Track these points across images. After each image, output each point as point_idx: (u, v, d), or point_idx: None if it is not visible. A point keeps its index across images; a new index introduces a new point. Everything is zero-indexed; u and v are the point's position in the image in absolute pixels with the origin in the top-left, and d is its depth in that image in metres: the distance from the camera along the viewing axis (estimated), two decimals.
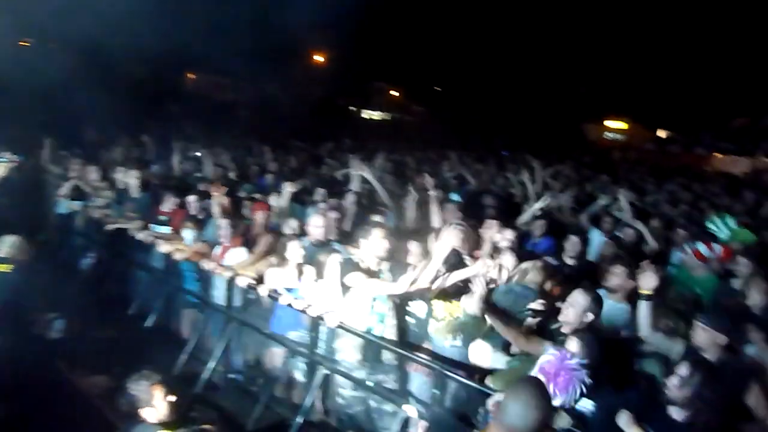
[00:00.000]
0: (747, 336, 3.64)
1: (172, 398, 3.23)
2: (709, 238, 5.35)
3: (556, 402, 2.84)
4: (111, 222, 6.62)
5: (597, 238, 6.05)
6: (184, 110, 19.09)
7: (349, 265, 4.08)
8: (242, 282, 4.85)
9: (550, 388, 2.85)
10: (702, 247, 5.07)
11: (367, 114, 34.85)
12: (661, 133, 30.57)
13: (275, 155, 11.11)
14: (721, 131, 24.95)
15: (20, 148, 8.51)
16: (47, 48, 16.23)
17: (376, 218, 5.47)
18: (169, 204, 6.46)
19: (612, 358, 3.31)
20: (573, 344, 3.08)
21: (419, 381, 3.95)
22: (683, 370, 2.80)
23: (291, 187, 6.27)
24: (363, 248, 4.16)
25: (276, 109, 23.40)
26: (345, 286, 4.10)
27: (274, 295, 4.65)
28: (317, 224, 5.03)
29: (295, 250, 4.69)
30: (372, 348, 4.07)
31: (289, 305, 4.51)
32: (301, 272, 4.70)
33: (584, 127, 32.32)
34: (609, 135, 33.30)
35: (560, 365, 2.95)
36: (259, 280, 4.85)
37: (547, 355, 3.02)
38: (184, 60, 22.56)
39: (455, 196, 7.47)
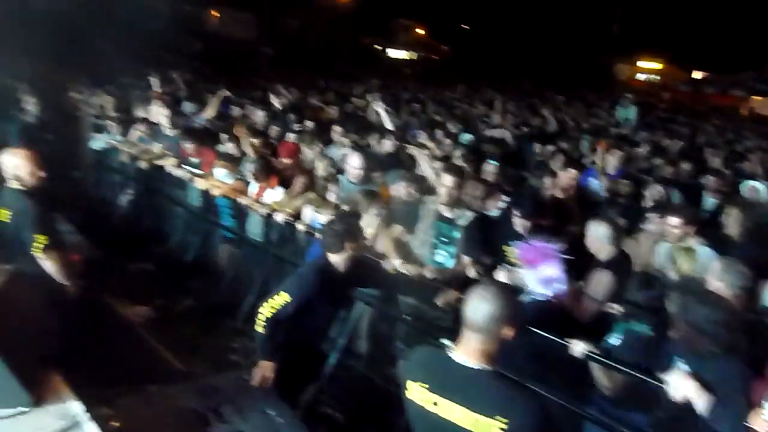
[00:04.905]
0: None
1: None
2: None
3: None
4: (146, 159, 6.71)
5: None
6: (207, 48, 18.90)
7: None
8: (279, 218, 4.92)
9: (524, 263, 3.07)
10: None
11: (392, 53, 34.04)
12: (697, 74, 29.50)
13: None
14: (761, 73, 23.99)
15: (53, 86, 8.62)
16: None
17: None
18: (198, 144, 6.48)
19: None
20: None
21: None
22: None
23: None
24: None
25: (299, 47, 23.03)
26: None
27: (311, 231, 4.72)
28: (354, 164, 5.03)
29: (333, 190, 4.73)
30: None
31: None
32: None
33: (615, 67, 31.28)
34: (642, 75, 32.23)
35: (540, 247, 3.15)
36: (297, 216, 4.92)
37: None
38: None
39: None
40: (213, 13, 25.97)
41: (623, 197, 5.53)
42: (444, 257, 4.45)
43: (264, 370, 3.29)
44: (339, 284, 3.50)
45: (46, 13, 12.15)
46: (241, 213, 5.57)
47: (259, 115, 7.76)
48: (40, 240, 3.84)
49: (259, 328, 3.28)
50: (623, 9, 28.62)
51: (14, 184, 3.98)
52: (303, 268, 3.46)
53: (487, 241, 4.39)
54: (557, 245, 3.21)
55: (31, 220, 3.86)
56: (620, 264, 3.84)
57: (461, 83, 17.28)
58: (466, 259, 4.32)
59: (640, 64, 32.34)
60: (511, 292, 2.09)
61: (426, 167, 5.56)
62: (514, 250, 3.30)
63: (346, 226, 3.43)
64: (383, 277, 4.29)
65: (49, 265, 3.89)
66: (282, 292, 3.25)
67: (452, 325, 4.14)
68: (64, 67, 9.84)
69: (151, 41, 12.98)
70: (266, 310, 3.24)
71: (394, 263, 4.22)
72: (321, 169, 5.59)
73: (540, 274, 3.12)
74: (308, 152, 6.14)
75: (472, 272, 4.25)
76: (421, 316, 4.33)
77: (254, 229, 5.41)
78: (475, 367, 1.95)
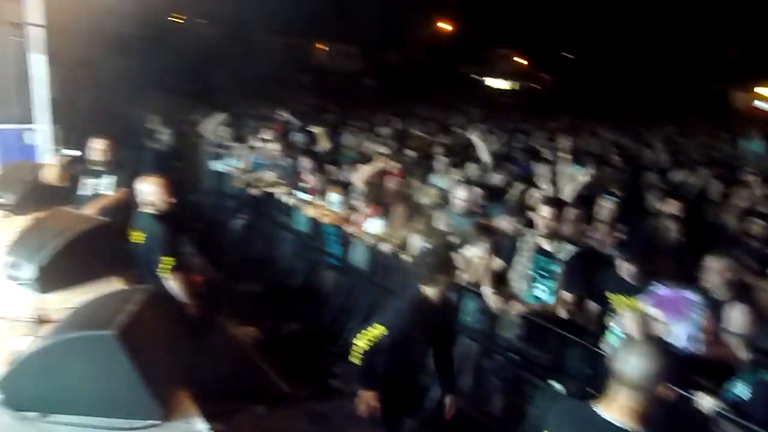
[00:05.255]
0: None
1: None
2: None
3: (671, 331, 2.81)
4: (258, 185, 7.10)
5: None
6: (315, 80, 19.79)
7: None
8: (385, 247, 5.00)
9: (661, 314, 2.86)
10: None
11: (492, 82, 33.95)
12: None
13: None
14: None
15: (174, 115, 9.36)
16: (196, 24, 17.49)
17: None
18: (309, 172, 6.75)
19: None
20: None
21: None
22: None
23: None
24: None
25: (401, 78, 23.56)
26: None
27: None
28: (461, 196, 5.03)
29: (442, 221, 4.75)
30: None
31: None
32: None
33: (734, 95, 29.25)
34: (764, 104, 29.89)
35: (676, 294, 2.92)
36: (402, 246, 4.98)
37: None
38: (314, 30, 23.30)
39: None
40: (320, 46, 27.26)
41: (754, 237, 5.10)
42: (543, 292, 4.34)
43: (367, 399, 3.31)
44: (435, 317, 3.47)
45: (172, 50, 13.28)
46: (347, 241, 5.72)
47: (365, 145, 7.97)
48: (168, 261, 4.14)
49: (355, 359, 3.28)
50: (741, 32, 26.77)
51: (148, 209, 4.34)
52: (397, 301, 3.46)
53: (590, 280, 4.19)
54: (695, 295, 3.00)
55: (161, 243, 4.18)
56: (749, 303, 3.54)
57: (565, 113, 16.86)
58: (567, 295, 4.16)
59: (761, 91, 30.02)
60: (668, 348, 1.98)
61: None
62: (640, 299, 3.10)
63: (439, 258, 3.40)
64: (483, 311, 4.24)
65: (174, 285, 4.17)
66: (377, 325, 3.25)
67: (552, 365, 4.02)
68: (187, 99, 10.67)
69: (264, 74, 13.79)
70: (362, 342, 3.24)
71: (490, 297, 4.15)
72: (427, 199, 5.64)
73: (682, 328, 2.89)
74: (413, 182, 6.21)
75: (563, 311, 4.08)
76: (520, 354, 4.23)
77: (360, 257, 5.52)
78: (626, 427, 1.87)
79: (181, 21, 17.15)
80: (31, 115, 6.56)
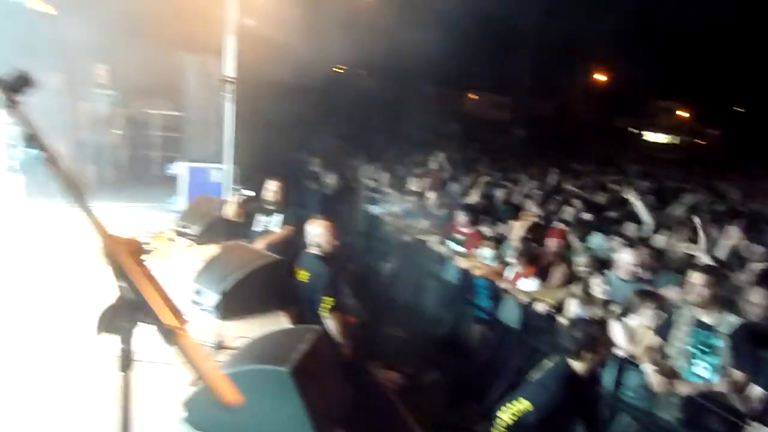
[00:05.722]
0: None
1: None
2: None
3: None
4: (411, 232, 7.26)
5: None
6: (464, 129, 20.07)
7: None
8: (540, 307, 4.84)
9: None
10: None
11: (651, 137, 32.09)
12: None
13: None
14: None
15: (336, 159, 9.96)
16: (357, 74, 18.67)
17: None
18: (465, 224, 6.78)
19: None
20: None
21: None
22: None
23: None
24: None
25: (551, 129, 23.12)
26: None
27: None
28: (627, 260, 4.75)
29: (599, 286, 4.51)
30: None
31: None
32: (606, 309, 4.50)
33: None
34: None
35: None
36: (558, 308, 4.79)
37: None
38: (466, 80, 23.77)
39: None
40: (471, 96, 27.68)
41: None
42: (705, 370, 3.90)
43: None
44: (585, 392, 3.26)
45: (336, 99, 14.26)
46: (498, 296, 5.62)
47: (526, 202, 7.86)
48: (328, 302, 4.35)
49: None
50: None
51: (314, 250, 4.63)
52: (545, 375, 3.30)
53: (757, 359, 3.70)
54: None
55: (324, 283, 4.41)
56: None
57: (736, 172, 15.43)
58: (737, 374, 3.69)
59: None
60: None
61: None
62: None
63: (590, 333, 3.20)
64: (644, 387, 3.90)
65: (331, 324, 4.37)
66: (522, 399, 3.12)
67: None
68: (348, 145, 11.33)
69: (420, 123, 14.28)
70: (506, 415, 3.10)
71: (651, 375, 3.81)
72: (585, 260, 5.38)
73: None
74: (573, 241, 5.97)
75: (733, 394, 3.57)
76: None
77: (510, 314, 5.39)
78: None
79: (342, 71, 18.41)
80: (220, 155, 7.41)
